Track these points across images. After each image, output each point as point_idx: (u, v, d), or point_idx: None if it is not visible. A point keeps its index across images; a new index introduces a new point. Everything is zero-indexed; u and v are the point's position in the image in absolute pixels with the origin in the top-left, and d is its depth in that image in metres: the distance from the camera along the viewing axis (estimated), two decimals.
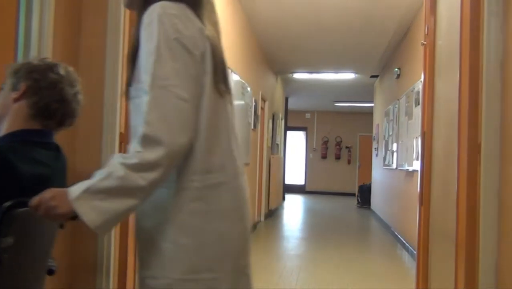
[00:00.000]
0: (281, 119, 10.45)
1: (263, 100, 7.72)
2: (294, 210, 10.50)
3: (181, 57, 1.03)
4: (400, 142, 6.33)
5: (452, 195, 2.17)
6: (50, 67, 1.34)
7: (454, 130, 2.13)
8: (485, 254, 1.87)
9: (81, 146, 1.99)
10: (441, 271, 2.55)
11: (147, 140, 0.99)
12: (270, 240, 6.51)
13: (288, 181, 13.28)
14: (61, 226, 1.34)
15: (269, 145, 8.55)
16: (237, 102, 5.28)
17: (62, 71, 1.34)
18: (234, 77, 5.11)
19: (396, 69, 6.82)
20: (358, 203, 11.36)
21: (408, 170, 5.62)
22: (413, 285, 3.06)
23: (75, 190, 1.00)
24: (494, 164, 1.82)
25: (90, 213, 0.98)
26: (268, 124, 8.30)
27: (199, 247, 1.07)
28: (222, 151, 1.11)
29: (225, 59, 1.16)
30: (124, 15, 2.06)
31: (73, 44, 1.99)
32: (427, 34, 2.69)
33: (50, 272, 1.37)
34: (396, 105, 6.76)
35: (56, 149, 1.38)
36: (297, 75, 9.42)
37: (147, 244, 1.10)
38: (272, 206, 8.90)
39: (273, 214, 8.89)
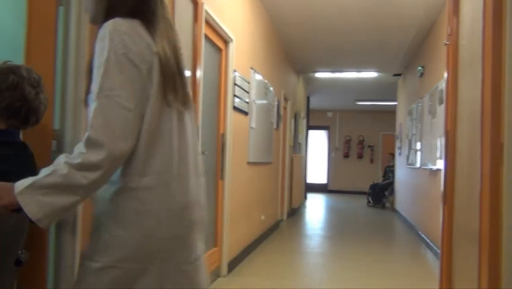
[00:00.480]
0: (303, 118, 10.47)
1: (286, 99, 7.77)
2: (316, 209, 10.51)
3: (127, 71, 1.13)
4: (424, 141, 6.28)
5: (476, 194, 2.18)
6: (12, 70, 1.45)
7: (477, 129, 2.15)
8: (508, 254, 1.88)
9: None
10: (465, 271, 2.56)
11: (91, 143, 1.09)
12: (293, 238, 6.56)
13: (310, 180, 13.29)
14: (31, 222, 1.43)
15: (291, 144, 8.60)
16: (259, 102, 5.36)
17: (24, 73, 1.46)
18: (257, 77, 5.18)
19: (420, 68, 6.77)
20: (369, 202, 11.18)
21: (432, 168, 5.59)
22: (437, 285, 3.07)
23: (21, 184, 1.10)
24: None
25: (32, 206, 1.08)
26: (290, 124, 8.34)
27: (129, 240, 1.18)
28: (162, 156, 1.20)
29: (180, 71, 1.26)
30: None
31: None
32: (450, 34, 2.70)
33: (18, 263, 1.45)
34: (420, 104, 6.72)
35: (22, 146, 1.49)
36: (319, 74, 9.43)
37: (92, 230, 1.24)
38: (295, 205, 8.94)
39: (295, 213, 8.93)
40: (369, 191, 11.30)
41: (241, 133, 4.58)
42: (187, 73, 2.66)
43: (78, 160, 1.09)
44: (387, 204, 10.77)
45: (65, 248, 1.82)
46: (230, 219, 4.15)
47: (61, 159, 1.11)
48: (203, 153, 3.18)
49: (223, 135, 4.03)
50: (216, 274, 3.98)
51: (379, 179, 14.57)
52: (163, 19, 1.24)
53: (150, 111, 1.18)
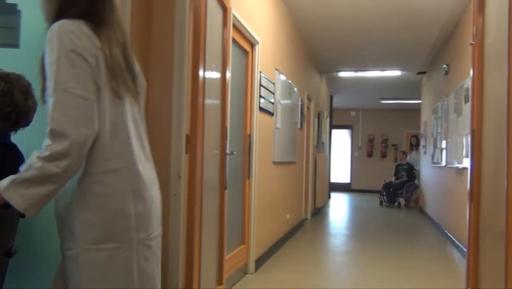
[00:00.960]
0: (326, 118, 10.49)
1: (309, 99, 7.82)
2: (340, 208, 10.52)
3: (78, 65, 1.24)
4: (449, 139, 6.25)
5: (502, 193, 2.21)
6: (2, 77, 1.61)
7: (503, 128, 2.18)
8: None
9: (153, 148, 2.20)
10: (491, 269, 2.58)
11: (54, 134, 1.20)
12: (318, 237, 6.62)
13: (334, 179, 13.27)
14: (22, 216, 1.52)
15: (315, 143, 8.63)
16: (284, 102, 5.43)
17: (13, 80, 1.62)
18: (281, 78, 5.26)
19: (445, 66, 6.72)
20: (382, 202, 10.88)
21: (458, 167, 5.56)
22: (464, 283, 3.09)
23: (5, 181, 1.23)
24: None
25: (18, 199, 1.21)
26: (313, 123, 8.39)
27: (99, 222, 1.28)
28: (121, 142, 1.32)
29: (128, 66, 1.37)
30: (188, 18, 2.27)
31: (145, 45, 2.22)
32: (476, 34, 2.73)
33: (9, 254, 1.60)
34: (445, 102, 6.67)
35: (12, 147, 1.65)
36: (342, 74, 9.43)
37: (62, 222, 1.33)
38: (319, 204, 8.98)
39: (319, 212, 8.97)
40: (382, 190, 11.06)
41: (267, 134, 4.67)
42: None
43: (47, 153, 1.20)
44: (404, 203, 10.57)
45: None
46: (256, 217, 4.25)
47: (34, 154, 1.22)
48: (232, 153, 3.28)
49: (250, 135, 4.13)
50: (243, 271, 4.08)
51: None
52: (111, 23, 1.36)
53: (104, 100, 1.29)
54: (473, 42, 2.75)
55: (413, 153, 12.04)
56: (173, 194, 2.21)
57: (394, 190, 10.74)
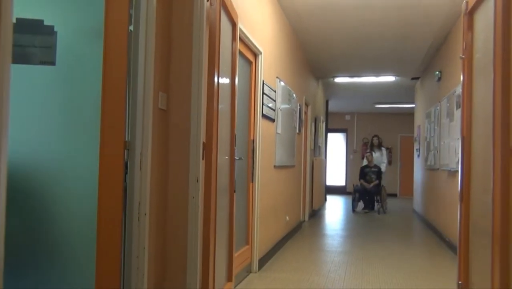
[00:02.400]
0: (322, 122, 10.73)
1: (306, 105, 8.06)
2: (336, 210, 10.75)
3: None
4: (442, 143, 6.50)
5: (489, 194, 2.45)
6: None
7: (490, 135, 2.42)
8: None
9: (173, 155, 2.43)
10: (480, 265, 2.82)
11: None
12: (316, 238, 6.84)
13: (329, 182, 13.52)
14: None
15: (312, 147, 8.87)
16: (284, 108, 5.67)
17: None
18: (281, 86, 5.50)
19: (437, 72, 6.99)
20: (356, 208, 9.97)
21: (450, 170, 5.82)
22: (455, 279, 3.32)
23: None
24: None
25: None
26: (310, 128, 8.63)
27: None
28: None
29: None
30: (204, 48, 2.49)
31: (165, 73, 2.44)
32: (465, 48, 2.97)
33: None
34: (438, 107, 6.93)
35: None
36: (338, 79, 9.69)
37: None
38: (315, 206, 9.21)
39: (316, 214, 9.20)
40: (354, 195, 10.13)
41: (269, 139, 4.90)
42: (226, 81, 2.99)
43: None
44: (382, 209, 9.87)
45: (133, 241, 2.14)
46: (260, 219, 4.47)
47: None
48: (240, 158, 3.51)
49: (253, 141, 4.36)
50: (248, 270, 4.29)
51: (396, 180, 14.74)
52: None
53: None
54: (463, 56, 2.99)
55: (375, 153, 10.67)
56: (192, 197, 2.42)
57: (370, 195, 10.00)
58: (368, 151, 10.88)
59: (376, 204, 9.98)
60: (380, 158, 10.57)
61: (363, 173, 10.25)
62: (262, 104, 4.52)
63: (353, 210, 10.01)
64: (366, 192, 9.97)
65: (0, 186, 1.35)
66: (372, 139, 11.04)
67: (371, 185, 9.95)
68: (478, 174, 2.82)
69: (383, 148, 10.94)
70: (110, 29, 2.12)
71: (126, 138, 2.14)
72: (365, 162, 10.62)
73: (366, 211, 9.90)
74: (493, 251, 2.40)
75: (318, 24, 6.07)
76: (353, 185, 10.58)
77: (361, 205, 10.20)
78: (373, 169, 10.16)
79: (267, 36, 4.81)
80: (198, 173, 2.42)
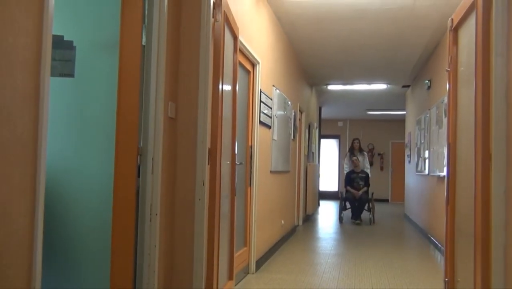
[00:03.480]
0: (316, 128, 10.95)
1: (301, 111, 8.27)
2: (329, 215, 10.95)
3: None
4: (432, 149, 6.73)
5: (472, 197, 2.66)
6: None
7: (472, 143, 2.64)
8: (496, 247, 2.34)
9: (181, 160, 2.62)
10: (464, 263, 3.02)
11: None
12: (310, 242, 7.03)
13: (322, 187, 13.73)
14: None
15: (306, 153, 9.08)
16: (280, 116, 5.87)
17: None
18: (277, 94, 5.70)
19: (427, 81, 7.24)
20: (343, 219, 9.04)
21: (439, 175, 6.04)
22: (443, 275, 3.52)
23: None
24: (502, 170, 2.32)
25: None
26: (304, 134, 8.84)
27: None
28: None
29: None
30: (210, 61, 2.69)
31: (174, 83, 2.63)
32: (451, 62, 3.20)
33: None
34: (427, 115, 7.18)
35: None
36: (331, 87, 9.93)
37: None
38: (309, 211, 9.41)
39: (309, 219, 9.39)
40: (342, 204, 9.28)
41: (265, 145, 5.10)
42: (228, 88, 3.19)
43: None
44: (372, 218, 9.03)
45: (145, 240, 2.32)
46: (257, 222, 4.65)
47: None
48: (240, 163, 3.70)
49: (251, 147, 4.55)
50: (245, 271, 4.47)
51: (387, 185, 14.98)
52: None
53: None
54: (448, 69, 3.22)
55: (355, 157, 9.59)
56: (198, 199, 2.61)
57: (360, 203, 8.99)
58: (348, 154, 9.94)
59: (368, 213, 9.10)
60: (362, 162, 9.59)
61: (350, 179, 9.22)
62: (260, 111, 4.72)
63: (340, 220, 9.09)
64: (355, 200, 9.00)
65: (39, 190, 1.53)
66: (353, 143, 9.93)
67: (360, 192, 8.98)
68: (462, 178, 3.03)
69: (364, 152, 10.01)
70: (124, 43, 2.31)
71: (139, 145, 2.32)
72: (346, 168, 9.72)
73: (359, 222, 8.88)
74: (475, 252, 2.60)
75: (313, 34, 6.30)
76: (340, 193, 9.68)
77: (348, 214, 9.30)
78: (360, 175, 9.18)
79: (264, 47, 5.02)
80: (204, 176, 2.61)
